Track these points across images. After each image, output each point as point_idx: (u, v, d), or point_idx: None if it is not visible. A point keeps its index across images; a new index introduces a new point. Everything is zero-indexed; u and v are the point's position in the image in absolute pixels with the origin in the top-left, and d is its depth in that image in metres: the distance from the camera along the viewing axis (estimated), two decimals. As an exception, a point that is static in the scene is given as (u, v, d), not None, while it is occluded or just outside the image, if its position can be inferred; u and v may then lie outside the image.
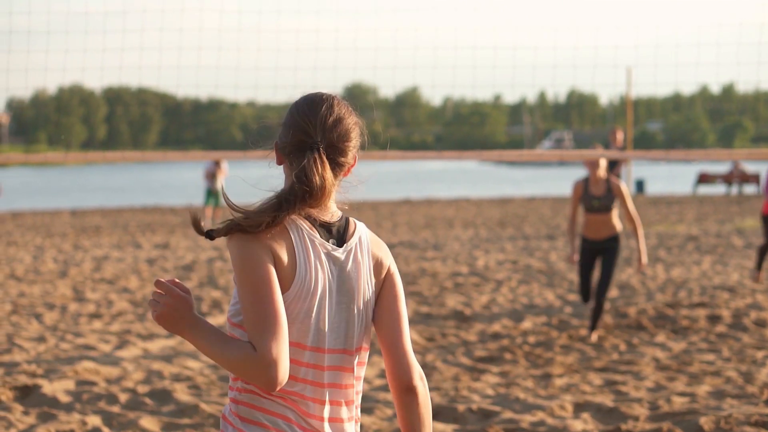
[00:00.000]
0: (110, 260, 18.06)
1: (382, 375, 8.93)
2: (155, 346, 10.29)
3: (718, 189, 42.72)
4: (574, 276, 14.94)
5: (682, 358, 9.68)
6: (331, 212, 2.99)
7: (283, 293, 2.86)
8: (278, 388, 2.83)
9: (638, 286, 14.32)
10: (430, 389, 8.41)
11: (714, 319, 11.72)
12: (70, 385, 8.45)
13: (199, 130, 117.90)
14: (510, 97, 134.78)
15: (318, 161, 2.91)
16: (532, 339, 10.70)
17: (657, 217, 27.77)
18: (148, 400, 8.02)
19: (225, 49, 10.91)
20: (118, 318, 12.04)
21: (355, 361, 3.00)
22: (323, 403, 2.95)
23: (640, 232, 10.52)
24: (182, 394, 8.22)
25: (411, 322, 11.54)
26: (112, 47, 10.53)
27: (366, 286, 2.99)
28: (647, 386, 8.56)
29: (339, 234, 2.98)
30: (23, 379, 8.55)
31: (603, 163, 10.52)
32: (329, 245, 2.95)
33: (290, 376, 2.89)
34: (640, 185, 40.18)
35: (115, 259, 18.18)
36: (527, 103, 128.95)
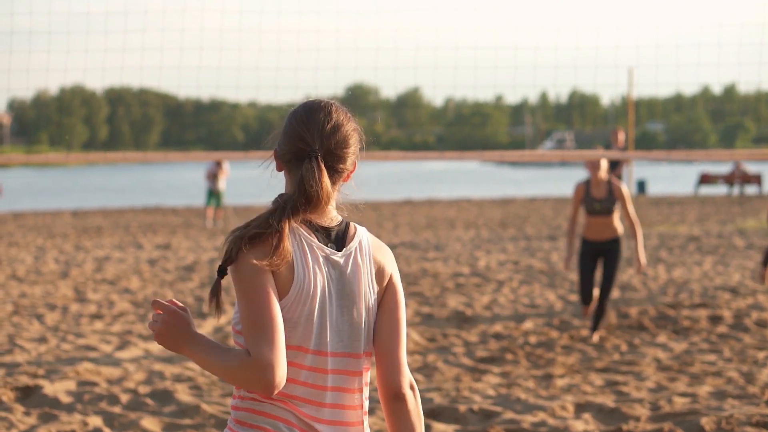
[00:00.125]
0: (111, 261, 18.07)
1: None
2: (156, 346, 10.29)
3: (720, 189, 42.70)
4: (575, 277, 14.93)
5: (684, 359, 9.68)
6: (330, 217, 3.00)
7: (281, 298, 2.88)
8: (276, 392, 2.84)
9: (639, 286, 14.32)
10: (431, 390, 8.41)
11: (715, 319, 11.72)
12: (71, 385, 8.45)
13: (200, 131, 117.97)
14: (511, 98, 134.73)
15: (316, 169, 2.93)
16: (533, 339, 10.70)
17: (658, 218, 27.77)
18: (149, 401, 8.03)
19: (226, 49, 10.91)
20: (119, 318, 12.05)
21: (362, 366, 3.00)
22: (326, 406, 2.95)
23: (639, 234, 10.53)
24: (183, 394, 8.23)
25: (412, 322, 11.55)
26: (114, 48, 10.52)
27: (368, 290, 2.99)
28: (648, 387, 8.56)
29: (338, 238, 2.98)
30: (24, 380, 8.56)
31: (604, 165, 10.52)
32: (327, 249, 2.95)
33: (292, 380, 2.90)
34: (641, 186, 40.17)
35: (116, 260, 18.19)
36: (529, 104, 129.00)
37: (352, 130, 3.03)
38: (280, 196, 2.97)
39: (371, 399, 8.02)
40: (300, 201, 2.90)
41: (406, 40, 11.77)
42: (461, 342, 10.63)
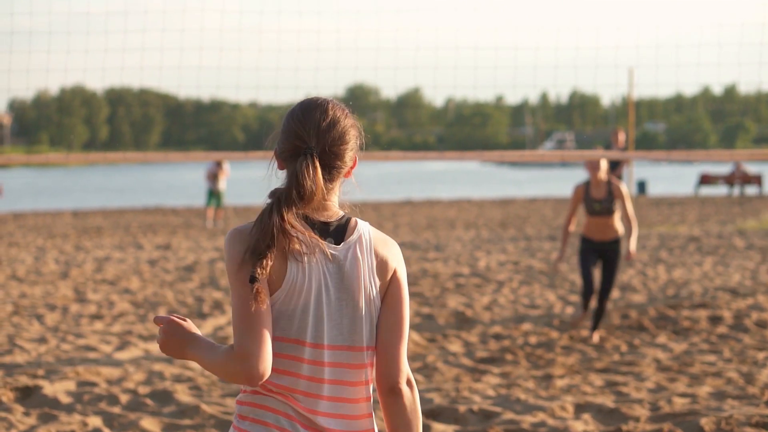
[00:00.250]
0: (112, 261, 18.06)
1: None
2: (156, 347, 10.29)
3: (720, 190, 42.69)
4: (575, 277, 14.93)
5: (683, 359, 9.68)
6: (330, 212, 3.02)
7: (275, 291, 2.92)
8: (260, 382, 2.88)
9: (639, 286, 14.32)
10: (431, 390, 8.41)
11: (715, 320, 11.72)
12: (71, 386, 8.45)
13: (200, 131, 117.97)
14: (512, 98, 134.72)
15: (310, 166, 2.96)
16: (533, 340, 10.70)
17: (659, 218, 27.76)
18: (149, 401, 8.03)
19: (226, 49, 10.92)
20: (119, 319, 12.05)
21: (366, 359, 3.00)
22: (323, 398, 2.97)
23: (635, 230, 10.56)
24: (183, 395, 8.23)
25: (412, 322, 11.53)
26: (114, 48, 10.53)
27: (369, 284, 3.00)
28: (648, 387, 8.56)
29: (337, 232, 3.00)
30: (24, 380, 8.56)
31: (604, 166, 10.53)
32: (324, 243, 2.97)
33: (294, 374, 2.94)
34: (641, 186, 40.16)
35: (116, 260, 18.18)
36: (529, 104, 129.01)
37: (349, 126, 3.05)
38: (275, 190, 3.00)
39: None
40: (293, 195, 2.93)
41: (406, 40, 11.78)
42: (461, 342, 10.63)
